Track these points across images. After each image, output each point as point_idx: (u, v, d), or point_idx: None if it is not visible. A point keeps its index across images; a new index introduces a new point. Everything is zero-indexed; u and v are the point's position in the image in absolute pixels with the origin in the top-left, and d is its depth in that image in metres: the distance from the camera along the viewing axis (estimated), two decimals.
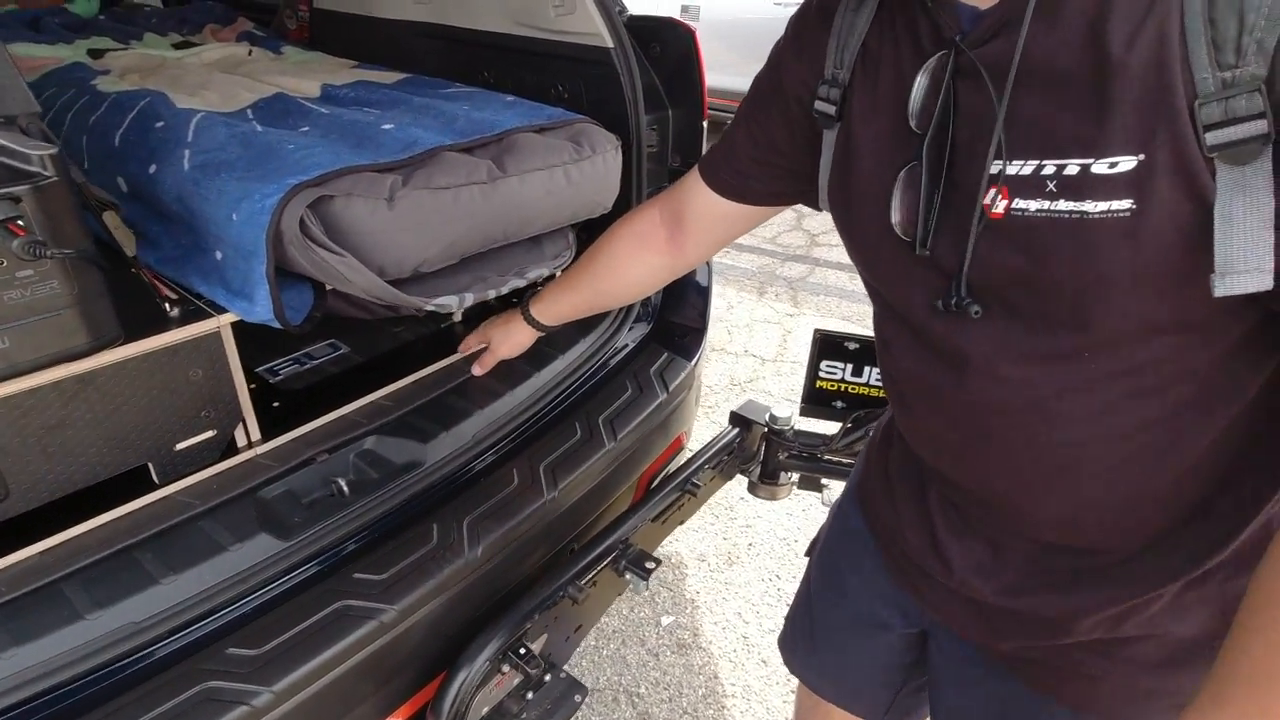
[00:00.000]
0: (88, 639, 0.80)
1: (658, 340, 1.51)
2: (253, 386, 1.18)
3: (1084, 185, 0.50)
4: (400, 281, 1.04)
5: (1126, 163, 0.48)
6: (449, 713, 0.97)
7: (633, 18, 1.43)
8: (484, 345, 1.26)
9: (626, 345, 1.47)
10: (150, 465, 0.94)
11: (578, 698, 1.11)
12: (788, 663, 1.13)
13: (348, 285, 0.96)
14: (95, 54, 1.66)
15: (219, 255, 0.95)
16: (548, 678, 1.12)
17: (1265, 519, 0.60)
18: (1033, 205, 0.52)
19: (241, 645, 0.83)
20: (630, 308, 1.50)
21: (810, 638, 1.06)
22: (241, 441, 1.03)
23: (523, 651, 1.03)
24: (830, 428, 1.39)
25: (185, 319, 0.93)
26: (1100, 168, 0.49)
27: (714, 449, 1.40)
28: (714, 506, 2.23)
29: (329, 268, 0.92)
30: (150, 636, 0.82)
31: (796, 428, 1.46)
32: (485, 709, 1.04)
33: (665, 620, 1.88)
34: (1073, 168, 0.50)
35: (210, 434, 0.98)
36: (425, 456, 1.10)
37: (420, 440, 1.11)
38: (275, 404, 1.14)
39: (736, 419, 1.47)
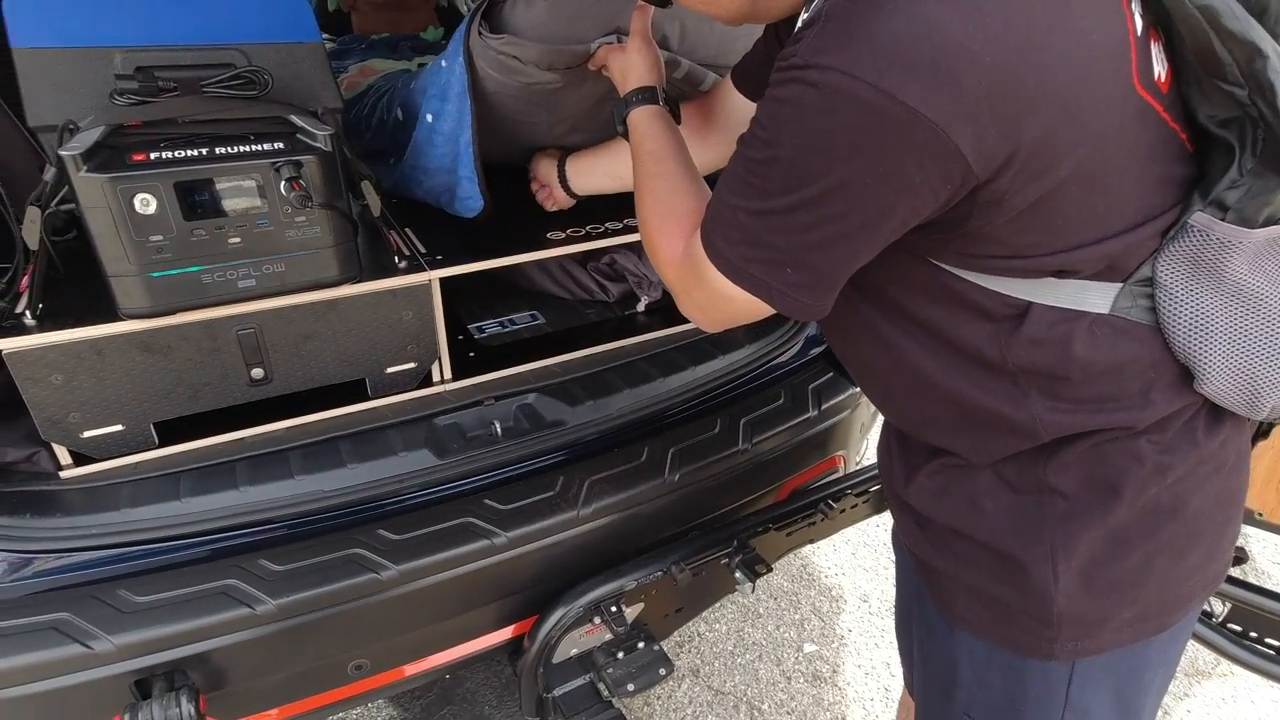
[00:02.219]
0: (293, 494, 1.06)
1: (829, 360, 1.50)
2: (460, 337, 1.43)
3: None
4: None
5: None
6: (542, 640, 1.11)
7: None
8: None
9: (794, 359, 1.49)
10: (367, 380, 1.20)
11: (662, 671, 1.18)
12: None
13: (522, 70, 1.12)
14: (422, 65, 2.11)
15: (429, 118, 1.19)
16: (640, 645, 1.21)
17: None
18: None
19: (388, 530, 1.05)
20: (804, 323, 1.51)
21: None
22: (435, 377, 1.27)
23: (614, 610, 1.13)
24: None
25: (407, 270, 1.17)
26: None
27: (860, 477, 1.36)
28: (891, 550, 2.10)
29: (504, 59, 1.10)
30: (330, 504, 1.06)
31: None
32: (574, 650, 1.16)
33: (808, 648, 1.84)
34: None
35: (412, 365, 1.22)
36: (571, 419, 1.24)
37: (571, 405, 1.26)
38: (471, 354, 1.36)
39: None
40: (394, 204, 1.41)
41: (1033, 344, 0.67)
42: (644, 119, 0.94)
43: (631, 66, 1.00)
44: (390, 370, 1.21)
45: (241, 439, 1.12)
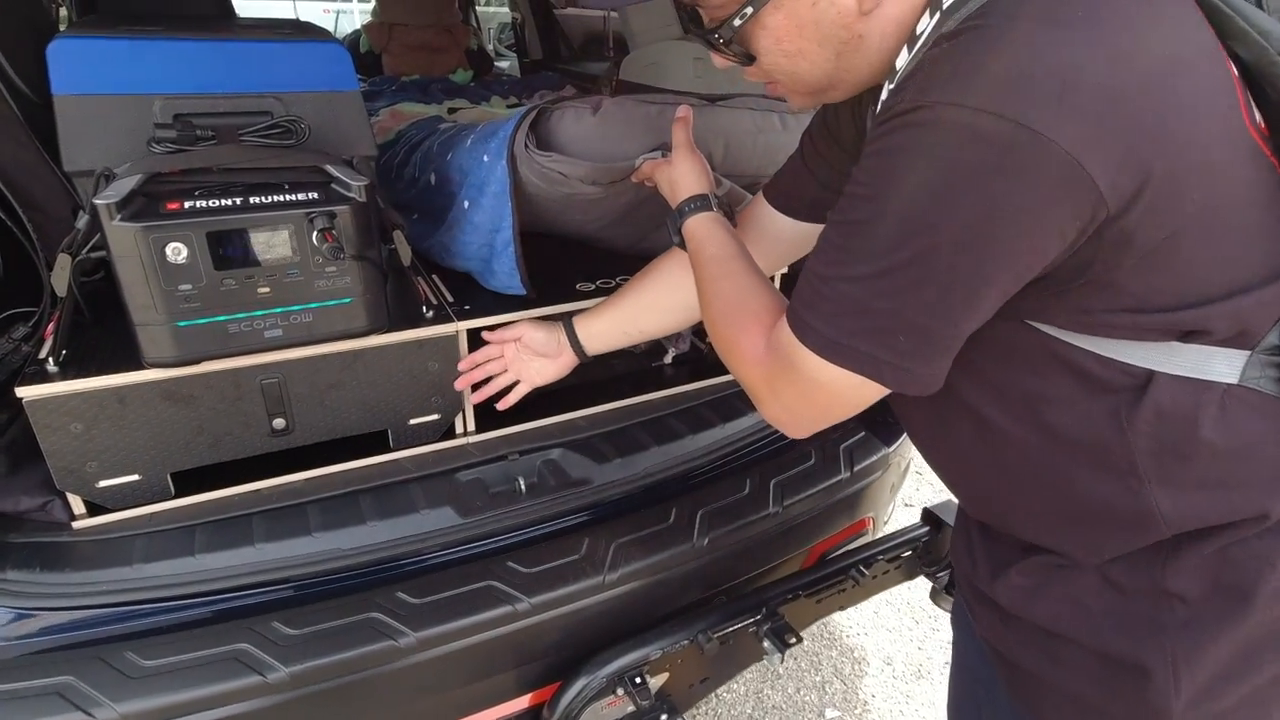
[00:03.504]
0: (310, 552, 1.03)
1: (860, 419, 1.46)
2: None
3: None
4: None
5: None
6: (562, 712, 1.05)
7: None
8: (504, 371, 1.20)
9: None
10: (389, 432, 1.17)
11: None
12: None
13: (565, 183, 1.10)
14: (452, 110, 2.12)
15: (465, 204, 1.17)
16: (663, 717, 1.15)
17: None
18: None
19: (406, 593, 1.00)
20: None
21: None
22: (459, 429, 1.24)
23: (638, 681, 1.07)
24: None
25: (435, 321, 1.15)
26: None
27: (893, 542, 1.31)
28: (915, 610, 2.04)
29: (549, 171, 1.08)
30: (348, 563, 1.03)
31: None
32: None
33: (830, 714, 1.76)
34: None
35: (436, 417, 1.19)
36: (597, 477, 1.20)
37: (597, 462, 1.22)
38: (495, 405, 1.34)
39: (929, 517, 1.36)
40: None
41: (1157, 419, 0.61)
42: (701, 226, 0.91)
43: (680, 178, 0.97)
44: (414, 422, 1.18)
45: (259, 490, 1.09)
